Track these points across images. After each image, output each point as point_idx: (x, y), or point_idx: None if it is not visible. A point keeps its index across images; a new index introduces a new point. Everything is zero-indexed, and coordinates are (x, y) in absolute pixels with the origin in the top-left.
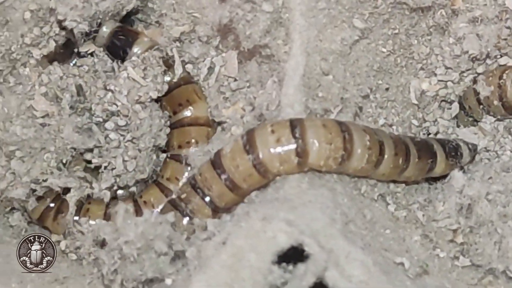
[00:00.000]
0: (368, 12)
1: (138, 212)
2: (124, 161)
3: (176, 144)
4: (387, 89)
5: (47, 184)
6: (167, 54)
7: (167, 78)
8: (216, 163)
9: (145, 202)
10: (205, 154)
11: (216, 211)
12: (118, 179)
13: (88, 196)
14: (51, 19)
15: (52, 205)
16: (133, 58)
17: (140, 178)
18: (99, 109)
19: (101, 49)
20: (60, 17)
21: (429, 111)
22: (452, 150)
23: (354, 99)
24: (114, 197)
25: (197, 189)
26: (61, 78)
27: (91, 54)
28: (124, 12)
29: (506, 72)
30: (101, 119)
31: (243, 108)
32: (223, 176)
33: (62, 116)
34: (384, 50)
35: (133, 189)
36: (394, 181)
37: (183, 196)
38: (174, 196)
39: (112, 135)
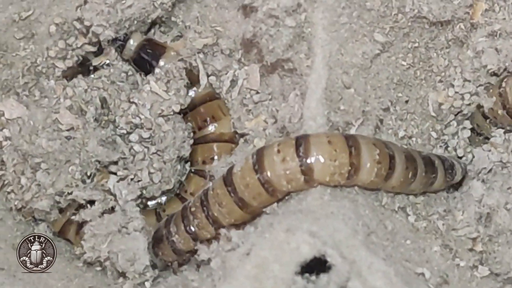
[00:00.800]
0: (388, 26)
1: None
2: (150, 173)
3: (201, 160)
4: (406, 101)
5: (72, 197)
6: (191, 64)
7: (192, 93)
8: (227, 180)
9: (167, 215)
10: (227, 166)
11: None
12: (144, 191)
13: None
14: (76, 32)
15: (73, 218)
16: (157, 71)
17: (166, 189)
18: (123, 121)
19: (115, 59)
20: (86, 23)
21: (448, 124)
22: (449, 168)
23: (375, 112)
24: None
25: (204, 207)
26: (85, 91)
27: (107, 65)
28: (149, 20)
29: (505, 80)
30: (125, 131)
31: (266, 121)
32: (233, 194)
33: (87, 129)
34: (404, 63)
35: (162, 199)
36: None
37: (192, 209)
38: (188, 205)
39: (137, 147)
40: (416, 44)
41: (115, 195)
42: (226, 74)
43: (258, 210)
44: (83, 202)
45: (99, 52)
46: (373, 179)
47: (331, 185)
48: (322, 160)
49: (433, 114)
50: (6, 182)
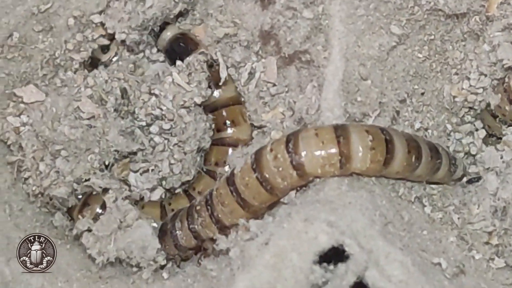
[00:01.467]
0: (405, 18)
1: (163, 218)
2: (170, 164)
3: (214, 161)
4: (422, 93)
5: (89, 184)
6: (211, 58)
7: (217, 94)
8: (230, 180)
9: (172, 210)
10: (244, 156)
11: (223, 229)
12: (164, 182)
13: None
14: (93, 25)
15: (99, 211)
16: (178, 63)
17: (186, 180)
18: (143, 113)
19: (124, 51)
20: (109, 31)
21: (463, 121)
22: (453, 160)
23: (392, 104)
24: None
25: (208, 206)
26: (106, 81)
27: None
28: (172, 16)
29: (508, 75)
30: (144, 123)
31: (283, 113)
32: (235, 194)
33: (107, 118)
34: (420, 55)
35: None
36: (429, 183)
37: (198, 207)
38: (195, 203)
39: (157, 139)
40: (432, 37)
41: (129, 185)
42: (244, 66)
43: (259, 210)
44: (99, 190)
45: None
46: (370, 165)
47: (327, 176)
48: (310, 153)
49: (447, 106)
50: (24, 168)
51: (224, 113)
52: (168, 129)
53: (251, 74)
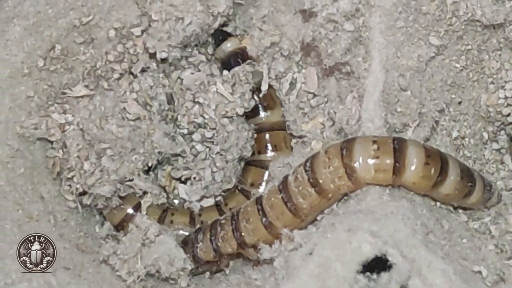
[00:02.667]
0: (443, 29)
1: (191, 226)
2: (212, 172)
3: (250, 181)
4: (459, 102)
5: (131, 184)
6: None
7: (263, 116)
8: (259, 200)
9: (201, 221)
10: (285, 166)
11: (243, 246)
12: (206, 190)
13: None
14: (133, 36)
15: (131, 211)
16: (224, 73)
17: (226, 188)
18: (185, 120)
19: (153, 63)
20: (150, 51)
21: (498, 127)
22: (488, 185)
23: (431, 114)
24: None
25: (233, 221)
26: (151, 87)
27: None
28: (212, 31)
29: None
30: (186, 131)
31: (323, 123)
32: (261, 214)
33: (152, 120)
34: (457, 65)
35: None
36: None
37: (222, 221)
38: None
39: (199, 147)
40: (469, 47)
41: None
42: (285, 77)
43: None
44: (139, 192)
45: None
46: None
47: (332, 199)
48: (324, 175)
49: (483, 115)
50: (68, 166)
51: (267, 137)
52: (210, 138)
53: (292, 85)
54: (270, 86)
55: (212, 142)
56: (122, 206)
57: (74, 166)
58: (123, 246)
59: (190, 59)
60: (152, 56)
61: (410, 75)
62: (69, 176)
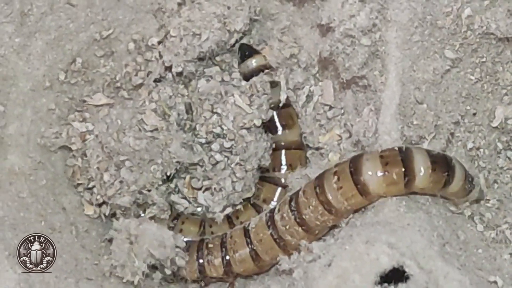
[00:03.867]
0: (458, 43)
1: (201, 235)
2: (232, 182)
3: (263, 197)
4: (474, 114)
5: (150, 194)
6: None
7: (281, 133)
8: (246, 232)
9: (212, 232)
10: (303, 178)
11: (228, 274)
12: (227, 200)
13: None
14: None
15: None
16: (242, 83)
17: (246, 197)
18: (203, 130)
19: (166, 72)
20: (166, 64)
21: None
22: (470, 177)
23: (447, 126)
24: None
25: (223, 248)
26: (170, 97)
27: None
28: (228, 47)
29: None
30: (203, 140)
31: (340, 135)
32: (250, 246)
33: (170, 131)
34: (472, 77)
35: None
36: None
37: (210, 245)
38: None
39: (218, 156)
40: (484, 59)
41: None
42: (302, 89)
43: (267, 266)
44: (150, 202)
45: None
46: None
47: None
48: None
49: (495, 125)
50: (88, 177)
51: (283, 155)
52: (229, 147)
53: (309, 97)
54: (289, 105)
55: (231, 152)
56: None
57: (95, 177)
58: (113, 253)
59: (205, 70)
60: (168, 68)
61: (426, 88)
62: (89, 186)
